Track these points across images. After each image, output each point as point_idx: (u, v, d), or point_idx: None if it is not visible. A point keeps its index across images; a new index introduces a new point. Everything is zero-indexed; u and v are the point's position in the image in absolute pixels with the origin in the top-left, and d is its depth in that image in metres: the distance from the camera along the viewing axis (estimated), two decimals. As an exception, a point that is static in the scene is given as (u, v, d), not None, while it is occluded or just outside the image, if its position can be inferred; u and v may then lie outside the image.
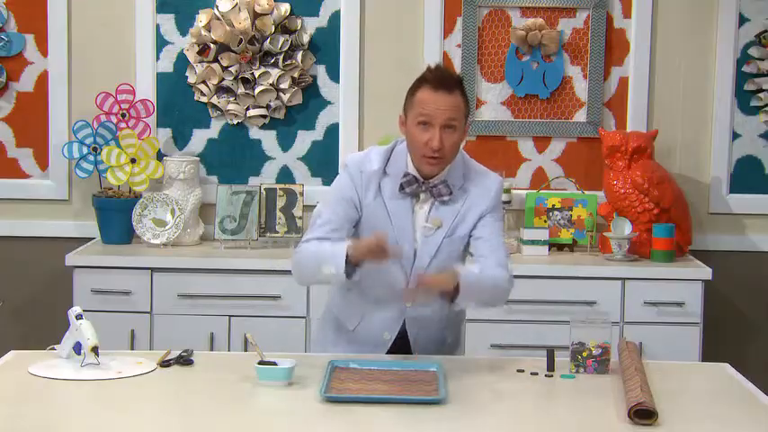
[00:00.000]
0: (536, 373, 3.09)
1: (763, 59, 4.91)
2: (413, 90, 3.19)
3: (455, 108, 3.13)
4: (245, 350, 4.41)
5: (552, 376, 3.08)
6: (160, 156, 4.85)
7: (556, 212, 4.85)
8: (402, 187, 3.21)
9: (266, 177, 4.94)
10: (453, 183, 3.23)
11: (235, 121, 4.91)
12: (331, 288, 3.47)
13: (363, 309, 3.32)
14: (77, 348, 3.04)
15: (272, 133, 4.94)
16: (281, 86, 4.85)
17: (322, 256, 3.12)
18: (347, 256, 3.05)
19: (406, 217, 3.22)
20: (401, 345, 3.31)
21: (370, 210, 3.23)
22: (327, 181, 4.83)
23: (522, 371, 3.11)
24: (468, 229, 3.25)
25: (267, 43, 4.80)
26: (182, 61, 4.89)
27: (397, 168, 3.23)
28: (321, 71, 4.91)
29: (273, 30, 4.81)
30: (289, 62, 4.84)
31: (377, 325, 3.30)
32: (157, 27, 4.88)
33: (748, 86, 4.93)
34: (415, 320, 3.30)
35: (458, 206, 3.24)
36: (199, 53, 4.83)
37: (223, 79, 4.85)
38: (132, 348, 4.40)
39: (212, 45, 4.81)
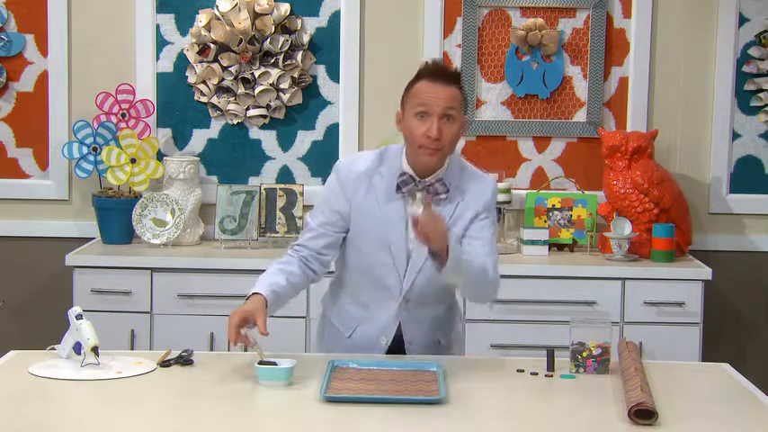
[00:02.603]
0: (536, 373, 3.09)
1: (763, 59, 4.91)
2: (410, 84, 3.19)
3: (453, 98, 3.13)
4: (245, 350, 4.40)
5: (552, 376, 3.08)
6: (160, 156, 4.85)
7: (556, 212, 4.85)
8: (399, 187, 3.20)
9: (266, 177, 4.94)
10: (449, 181, 3.22)
11: (235, 121, 4.91)
12: (324, 296, 3.48)
13: (358, 315, 3.32)
14: (77, 348, 3.04)
15: (272, 133, 4.94)
16: (281, 86, 4.85)
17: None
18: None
19: (399, 217, 3.21)
20: (395, 350, 3.31)
21: (362, 210, 3.22)
22: (327, 181, 4.83)
23: (522, 371, 3.11)
24: (463, 229, 3.24)
25: (267, 43, 4.80)
26: (182, 61, 4.89)
27: (392, 168, 3.22)
28: (321, 71, 4.91)
29: (273, 30, 4.81)
30: (289, 62, 4.84)
31: (373, 330, 3.29)
32: (157, 27, 4.88)
33: (748, 86, 4.93)
34: (411, 323, 3.29)
35: (453, 206, 3.23)
36: (199, 53, 4.83)
37: (223, 79, 4.85)
38: (132, 348, 4.40)
39: (212, 45, 4.81)
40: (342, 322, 3.36)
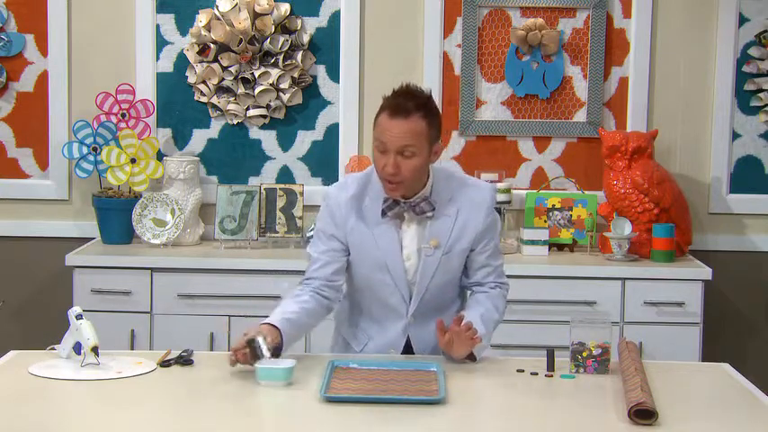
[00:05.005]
0: (536, 373, 3.09)
1: (763, 59, 4.91)
2: (377, 112, 3.16)
3: (410, 134, 3.09)
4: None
5: (552, 376, 3.08)
6: (160, 156, 4.85)
7: (556, 212, 4.85)
8: (384, 213, 3.21)
9: (266, 177, 4.94)
10: (436, 198, 3.22)
11: (235, 121, 4.91)
12: (337, 311, 3.48)
13: (369, 330, 3.36)
14: (77, 348, 3.04)
15: (272, 133, 4.94)
16: (281, 86, 4.85)
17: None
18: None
19: (392, 239, 3.23)
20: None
21: (355, 234, 3.24)
22: (327, 181, 4.84)
23: (522, 371, 3.11)
24: (466, 245, 3.26)
25: (267, 43, 4.80)
26: (182, 61, 4.89)
27: (377, 191, 3.22)
28: (321, 71, 4.91)
29: (273, 30, 4.81)
30: (289, 62, 4.84)
31: (383, 344, 3.33)
32: (157, 27, 4.88)
33: (748, 86, 4.93)
34: (419, 335, 3.32)
35: (451, 222, 3.23)
36: (199, 53, 4.83)
37: (223, 79, 4.85)
38: (132, 348, 4.40)
39: (212, 45, 4.81)
40: (353, 337, 3.40)
